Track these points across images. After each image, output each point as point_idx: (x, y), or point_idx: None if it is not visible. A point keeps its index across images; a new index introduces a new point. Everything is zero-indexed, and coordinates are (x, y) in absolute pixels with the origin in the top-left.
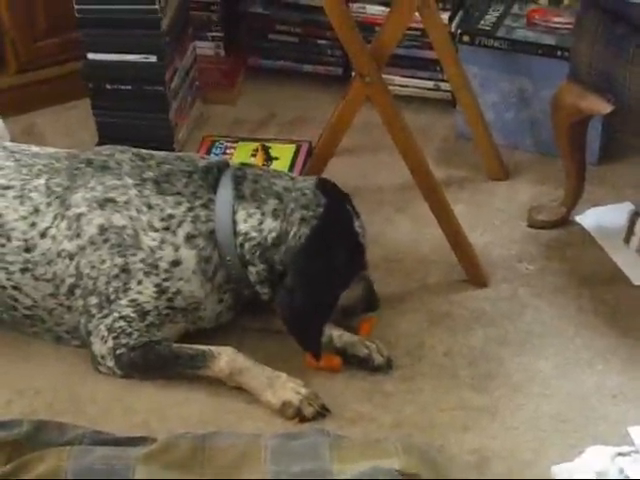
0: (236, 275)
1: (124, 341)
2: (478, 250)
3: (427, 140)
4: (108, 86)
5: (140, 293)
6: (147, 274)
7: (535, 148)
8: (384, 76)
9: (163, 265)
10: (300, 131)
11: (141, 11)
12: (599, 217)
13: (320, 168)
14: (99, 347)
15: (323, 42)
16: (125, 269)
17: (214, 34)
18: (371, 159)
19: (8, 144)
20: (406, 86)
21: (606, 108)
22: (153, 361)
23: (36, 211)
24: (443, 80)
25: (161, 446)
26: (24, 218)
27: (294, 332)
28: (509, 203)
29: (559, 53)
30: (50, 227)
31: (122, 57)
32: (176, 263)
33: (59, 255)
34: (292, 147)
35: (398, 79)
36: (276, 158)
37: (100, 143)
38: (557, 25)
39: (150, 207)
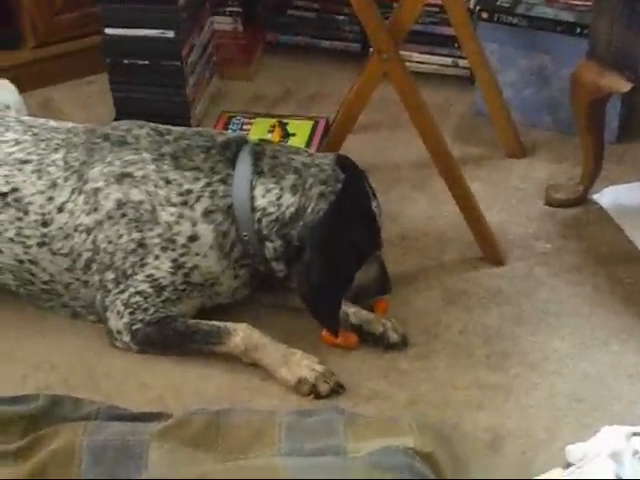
0: (253, 251)
1: (140, 316)
2: (494, 228)
3: (445, 117)
4: (125, 61)
5: (157, 268)
6: (164, 249)
7: (553, 126)
8: (402, 53)
9: (180, 240)
10: (317, 107)
11: None
12: (617, 196)
13: (337, 144)
14: (115, 322)
15: (341, 18)
16: (142, 244)
17: (232, 9)
18: (388, 136)
19: (26, 118)
20: (424, 63)
21: (625, 86)
22: (169, 337)
23: (54, 185)
24: (461, 57)
25: (176, 422)
26: (42, 192)
27: (311, 307)
28: (526, 181)
29: (578, 30)
30: (67, 201)
31: (139, 32)
32: (193, 238)
33: (76, 229)
34: (309, 123)
35: (416, 56)
36: (293, 134)
37: (117, 118)
38: (576, 2)
39: (168, 182)
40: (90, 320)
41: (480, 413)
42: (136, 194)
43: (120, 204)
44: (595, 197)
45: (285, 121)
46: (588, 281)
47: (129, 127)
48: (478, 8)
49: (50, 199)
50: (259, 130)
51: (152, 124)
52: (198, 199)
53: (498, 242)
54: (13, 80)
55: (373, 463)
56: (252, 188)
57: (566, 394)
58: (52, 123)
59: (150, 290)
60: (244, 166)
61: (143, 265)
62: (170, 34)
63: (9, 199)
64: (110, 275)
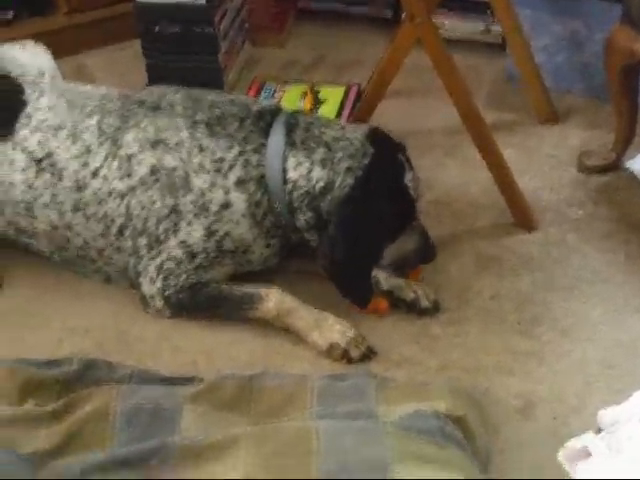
0: (285, 221)
1: (173, 282)
2: (527, 194)
3: (477, 83)
4: (157, 28)
5: (189, 234)
6: (197, 215)
7: (586, 92)
8: (434, 19)
9: (213, 207)
10: (349, 73)
11: None
12: None
13: (369, 111)
14: (148, 287)
15: None
16: (175, 210)
17: None
18: (421, 102)
19: (60, 84)
20: (456, 29)
21: None
22: (201, 302)
23: (88, 151)
24: (494, 23)
25: (208, 386)
26: (76, 158)
27: (335, 281)
28: (559, 148)
29: None
30: (101, 167)
31: None
32: (226, 206)
33: (110, 195)
34: (341, 89)
35: (448, 22)
36: (325, 100)
37: (150, 85)
38: None
39: (201, 149)
40: (123, 285)
41: (511, 379)
42: (170, 160)
43: (154, 170)
44: (628, 164)
45: (317, 87)
46: (620, 248)
47: (163, 92)
48: None
49: (84, 164)
50: (291, 96)
51: (187, 89)
52: (231, 168)
53: (530, 208)
54: (46, 46)
55: (405, 426)
56: (284, 160)
57: (597, 360)
58: (86, 88)
59: (183, 256)
60: (277, 137)
61: (176, 231)
62: (202, 0)
63: (44, 164)
64: (143, 241)
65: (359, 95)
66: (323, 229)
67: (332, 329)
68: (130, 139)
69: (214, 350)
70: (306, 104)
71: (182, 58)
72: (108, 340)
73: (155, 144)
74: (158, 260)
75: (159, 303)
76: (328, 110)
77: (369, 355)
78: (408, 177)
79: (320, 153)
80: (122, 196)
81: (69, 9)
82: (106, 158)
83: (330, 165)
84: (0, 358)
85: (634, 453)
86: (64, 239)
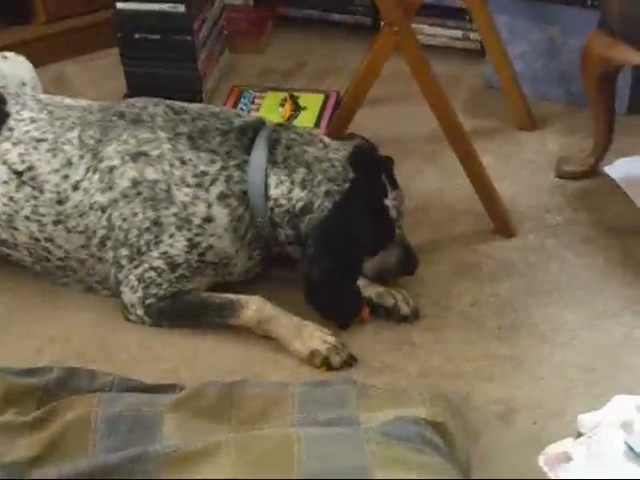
0: (267, 235)
1: (154, 291)
2: (506, 200)
3: (455, 90)
4: (136, 35)
5: (171, 246)
6: (179, 228)
7: (564, 98)
8: (413, 26)
9: (196, 220)
10: (328, 81)
11: None
12: (628, 168)
13: (348, 118)
14: (129, 296)
15: None
16: (157, 222)
17: None
18: (399, 109)
19: (42, 96)
20: (435, 36)
21: (636, 58)
22: (182, 310)
23: (69, 164)
24: (472, 30)
25: (189, 394)
26: (57, 171)
27: (311, 303)
28: (537, 153)
29: (589, 2)
30: (82, 180)
31: (150, 6)
32: (208, 220)
33: (91, 207)
34: (320, 97)
35: (427, 28)
36: (304, 108)
37: (129, 93)
38: None
39: (183, 162)
40: (104, 294)
41: (491, 384)
42: (151, 173)
43: (135, 182)
44: (606, 169)
45: (296, 95)
46: (599, 253)
47: (144, 105)
48: None
49: (65, 177)
50: (270, 104)
51: (168, 101)
52: (213, 182)
53: (509, 214)
54: (25, 55)
55: (385, 433)
56: (266, 177)
57: (577, 365)
58: (68, 101)
59: (164, 266)
60: (260, 153)
61: (158, 243)
62: (181, 8)
63: (25, 177)
64: (124, 252)
65: (338, 102)
66: (303, 246)
67: (313, 336)
68: (111, 152)
69: (195, 358)
70: (285, 111)
71: (161, 66)
72: (89, 349)
73: (136, 156)
74: (139, 270)
75: (140, 311)
76: (307, 117)
77: (350, 362)
78: (390, 197)
79: (300, 173)
80: (103, 209)
81: (47, 18)
82: (87, 171)
83: (310, 187)
84: None
85: (614, 458)
86: (45, 251)
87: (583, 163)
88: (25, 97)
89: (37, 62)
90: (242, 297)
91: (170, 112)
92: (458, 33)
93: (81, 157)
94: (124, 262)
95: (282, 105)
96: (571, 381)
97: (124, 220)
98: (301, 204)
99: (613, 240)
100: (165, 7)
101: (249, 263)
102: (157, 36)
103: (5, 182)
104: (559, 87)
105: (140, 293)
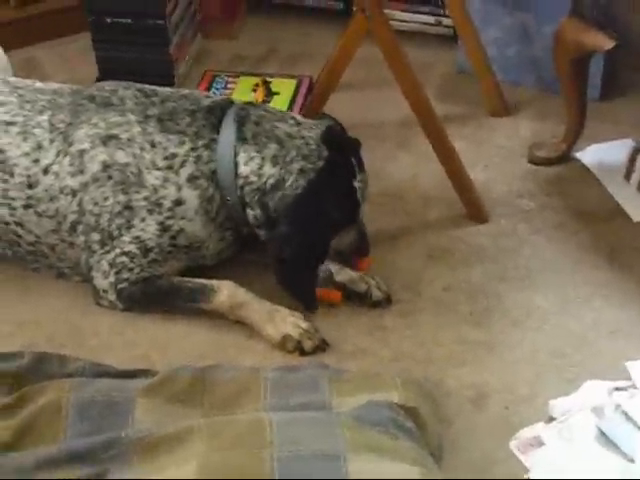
0: (236, 215)
1: (126, 276)
2: (478, 186)
3: (428, 76)
4: (108, 20)
5: (143, 230)
6: (150, 212)
7: (536, 84)
8: (385, 11)
9: (166, 204)
10: (301, 66)
11: None
12: (600, 154)
13: (321, 103)
14: (100, 281)
15: None
16: (128, 206)
17: None
18: (372, 94)
19: (11, 79)
20: (407, 21)
21: (608, 44)
22: (154, 294)
23: (39, 147)
24: (445, 15)
25: (161, 379)
26: (27, 154)
27: (282, 281)
28: (510, 139)
29: None
30: (53, 163)
31: None
32: (179, 202)
33: (62, 191)
34: (293, 82)
35: (399, 14)
36: (277, 93)
37: (100, 77)
38: None
39: (153, 145)
40: (76, 280)
41: (463, 369)
42: (122, 156)
43: (106, 166)
44: (578, 155)
45: (269, 80)
46: (571, 238)
47: (114, 88)
48: None
49: (35, 161)
50: (243, 89)
51: (138, 85)
52: (183, 164)
53: (481, 200)
54: None
55: (357, 417)
56: (235, 154)
57: (549, 350)
58: (38, 84)
59: (136, 251)
60: (228, 131)
61: (129, 227)
62: None
63: None
64: (96, 236)
65: (311, 87)
66: (271, 227)
67: (285, 321)
68: (82, 135)
69: (167, 343)
70: (258, 96)
71: (133, 50)
72: (60, 334)
73: (107, 140)
74: (111, 255)
75: (112, 296)
76: (280, 102)
77: (322, 347)
78: (358, 179)
79: (272, 149)
80: (74, 193)
81: (18, 1)
82: (58, 154)
83: (282, 163)
84: None
85: (586, 442)
86: (15, 235)
87: (555, 149)
88: None
89: (7, 46)
90: (214, 282)
91: (140, 95)
92: (431, 19)
93: (51, 141)
94: (96, 247)
95: (254, 90)
96: (542, 366)
97: (95, 204)
98: (272, 181)
99: (584, 225)
100: None
101: (221, 245)
102: (129, 20)
103: None
104: (532, 73)
105: (112, 278)
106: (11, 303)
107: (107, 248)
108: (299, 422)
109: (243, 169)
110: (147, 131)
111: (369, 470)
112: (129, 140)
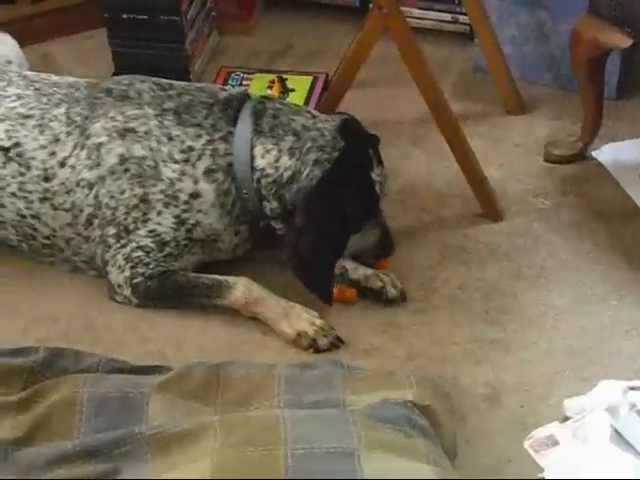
0: (252, 208)
1: (141, 270)
2: (494, 184)
3: (445, 73)
4: (124, 16)
5: (159, 224)
6: (166, 205)
7: (553, 82)
8: (402, 8)
9: (182, 197)
10: (317, 63)
11: None
12: (616, 152)
13: (336, 100)
14: (116, 276)
15: None
16: (144, 199)
17: None
18: (388, 92)
19: (28, 73)
20: (424, 18)
21: (625, 42)
22: (169, 290)
23: (56, 140)
24: (461, 13)
25: (176, 375)
26: (44, 147)
27: (299, 274)
28: (526, 138)
29: None
30: (70, 156)
31: None
32: (195, 195)
33: (78, 184)
34: (309, 79)
35: (416, 11)
36: (292, 90)
37: (116, 73)
38: None
39: (170, 138)
40: (91, 275)
41: (478, 368)
42: (139, 149)
43: (123, 159)
44: (594, 153)
45: (284, 76)
46: (587, 237)
47: (131, 81)
48: None
49: (52, 154)
50: (258, 85)
51: (155, 78)
52: (200, 157)
53: (497, 198)
54: (11, 35)
55: (372, 415)
56: (252, 147)
57: (564, 349)
58: (54, 78)
59: (152, 245)
60: (245, 124)
61: (145, 220)
62: None
63: (11, 154)
64: (112, 230)
65: (326, 84)
66: (288, 219)
67: (300, 318)
68: (98, 128)
69: (182, 339)
70: (273, 93)
71: (148, 46)
72: (75, 329)
73: (124, 133)
74: (127, 249)
75: (127, 291)
76: (296, 99)
77: (337, 344)
78: (376, 172)
79: (288, 141)
80: (91, 186)
81: None
82: (74, 147)
83: (298, 154)
84: None
85: (600, 442)
86: (31, 228)
87: (571, 147)
88: (11, 74)
89: (23, 42)
90: (230, 278)
91: (157, 88)
92: (447, 16)
93: (68, 134)
94: (111, 241)
95: (270, 87)
96: (558, 365)
97: (111, 197)
98: (289, 173)
99: (600, 224)
100: None
101: (237, 239)
102: (145, 16)
103: None
104: (548, 71)
105: (127, 273)
106: (27, 298)
107: (123, 242)
108: (313, 419)
109: (260, 162)
110: (164, 124)
111: (383, 468)
112: (146, 133)
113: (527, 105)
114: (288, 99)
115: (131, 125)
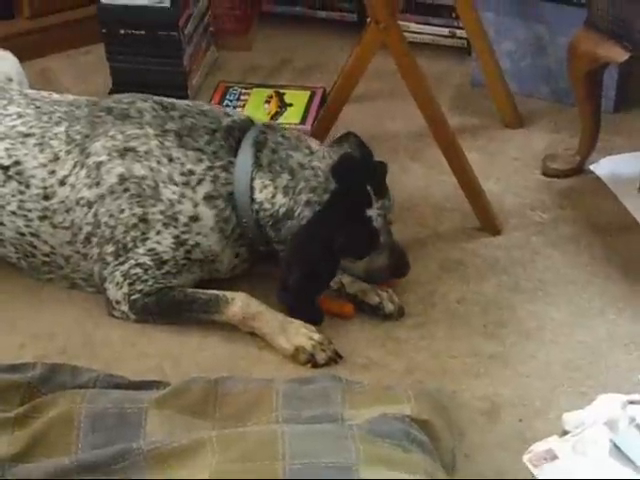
0: (253, 236)
1: (139, 287)
2: (492, 198)
3: (442, 87)
4: (122, 31)
5: (158, 243)
6: (166, 225)
7: (550, 96)
8: (399, 22)
9: (182, 219)
10: (314, 77)
11: None
12: (614, 166)
13: (334, 115)
14: (114, 293)
15: None
16: (144, 219)
17: None
18: (386, 106)
19: (29, 91)
20: (421, 33)
21: (623, 56)
22: (167, 306)
23: (56, 159)
24: (459, 27)
25: (173, 390)
26: (44, 166)
27: (283, 304)
28: (523, 151)
29: None
30: (69, 175)
31: (136, 2)
32: (195, 219)
33: (78, 203)
34: (306, 93)
35: (413, 26)
36: (290, 104)
37: (114, 89)
38: None
39: (171, 160)
40: (89, 291)
41: (477, 382)
42: (139, 169)
43: (122, 179)
44: (592, 167)
45: (282, 91)
46: (584, 251)
47: (132, 100)
48: None
49: (52, 172)
50: (256, 101)
51: (156, 97)
52: (200, 182)
53: (495, 212)
54: (10, 50)
55: (370, 430)
56: (252, 179)
57: (562, 363)
58: (55, 96)
59: (151, 263)
60: (245, 156)
61: (144, 239)
62: (166, 3)
63: (11, 172)
64: (110, 248)
65: (324, 99)
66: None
67: (298, 333)
68: (99, 147)
69: (180, 355)
70: (271, 108)
71: (146, 61)
72: (73, 345)
73: (124, 152)
74: (125, 266)
75: (125, 307)
76: (293, 114)
77: (335, 359)
78: (375, 206)
79: (284, 179)
80: (90, 204)
81: (32, 13)
82: (74, 166)
83: (291, 194)
84: None
85: (599, 456)
86: (31, 246)
87: (569, 161)
88: (12, 92)
89: (22, 57)
90: (227, 293)
91: (158, 108)
92: (445, 31)
93: (68, 152)
94: (109, 259)
95: (268, 102)
96: (556, 379)
97: (110, 216)
98: (283, 210)
99: (598, 238)
100: (150, 2)
101: (235, 260)
102: (142, 32)
103: None
104: (546, 85)
105: (125, 289)
106: (25, 314)
107: (121, 259)
108: (311, 434)
109: (258, 195)
110: (165, 145)
111: None
112: (146, 153)
113: (525, 119)
114: (286, 114)
115: (131, 144)
